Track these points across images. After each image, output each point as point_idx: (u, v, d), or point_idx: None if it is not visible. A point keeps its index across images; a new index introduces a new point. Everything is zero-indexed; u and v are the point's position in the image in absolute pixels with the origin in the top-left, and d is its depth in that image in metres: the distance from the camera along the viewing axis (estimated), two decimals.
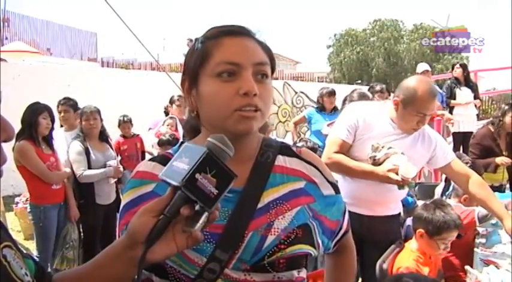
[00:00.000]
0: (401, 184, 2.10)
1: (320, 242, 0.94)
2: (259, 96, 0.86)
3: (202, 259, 0.84)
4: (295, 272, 0.90)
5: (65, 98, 4.05)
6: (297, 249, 0.88)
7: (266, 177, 0.92)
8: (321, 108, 5.43)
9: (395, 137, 2.25)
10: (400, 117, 2.24)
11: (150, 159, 0.99)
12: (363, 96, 3.49)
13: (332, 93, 5.37)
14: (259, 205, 0.89)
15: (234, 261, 0.85)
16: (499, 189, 4.10)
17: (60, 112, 3.98)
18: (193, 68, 0.90)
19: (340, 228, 1.02)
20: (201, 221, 0.71)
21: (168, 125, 4.67)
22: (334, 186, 1.01)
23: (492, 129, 4.17)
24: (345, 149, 2.29)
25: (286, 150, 0.99)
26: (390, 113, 2.29)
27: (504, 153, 4.16)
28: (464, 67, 6.52)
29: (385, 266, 2.14)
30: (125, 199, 0.93)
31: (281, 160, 0.97)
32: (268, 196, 0.91)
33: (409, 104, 2.17)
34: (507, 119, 4.08)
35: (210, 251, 0.84)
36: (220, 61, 0.86)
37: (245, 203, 0.89)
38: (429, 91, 2.17)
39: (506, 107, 4.16)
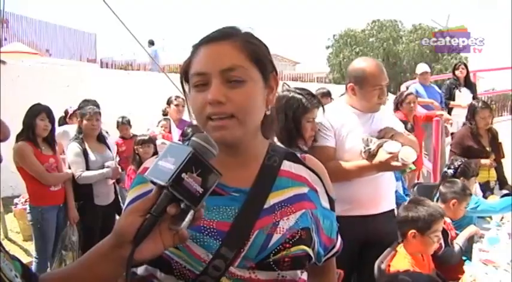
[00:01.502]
0: (403, 168, 2.16)
1: (316, 248, 0.95)
2: (232, 102, 0.86)
3: (208, 255, 0.86)
4: (298, 272, 0.91)
5: (94, 104, 3.97)
6: (301, 250, 0.90)
7: (272, 180, 0.95)
8: None
9: (361, 126, 2.28)
10: (361, 99, 2.29)
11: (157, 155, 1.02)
12: None
13: (326, 94, 5.35)
14: (265, 206, 0.91)
15: (239, 260, 0.87)
16: (485, 186, 4.19)
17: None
18: (185, 76, 0.94)
19: (333, 247, 1.04)
20: (187, 219, 0.72)
21: (162, 127, 4.68)
22: (331, 202, 1.03)
23: (470, 129, 4.37)
24: (332, 153, 2.26)
25: (292, 156, 1.02)
26: (349, 101, 2.34)
27: (488, 148, 4.30)
28: (467, 68, 6.54)
29: (383, 266, 2.15)
30: (129, 196, 0.95)
31: (287, 165, 0.99)
32: (274, 198, 0.93)
33: (363, 83, 2.24)
34: (478, 119, 4.31)
35: (216, 248, 0.86)
36: (192, 73, 0.90)
37: (252, 203, 0.91)
38: (375, 64, 2.28)
39: (477, 108, 4.35)
